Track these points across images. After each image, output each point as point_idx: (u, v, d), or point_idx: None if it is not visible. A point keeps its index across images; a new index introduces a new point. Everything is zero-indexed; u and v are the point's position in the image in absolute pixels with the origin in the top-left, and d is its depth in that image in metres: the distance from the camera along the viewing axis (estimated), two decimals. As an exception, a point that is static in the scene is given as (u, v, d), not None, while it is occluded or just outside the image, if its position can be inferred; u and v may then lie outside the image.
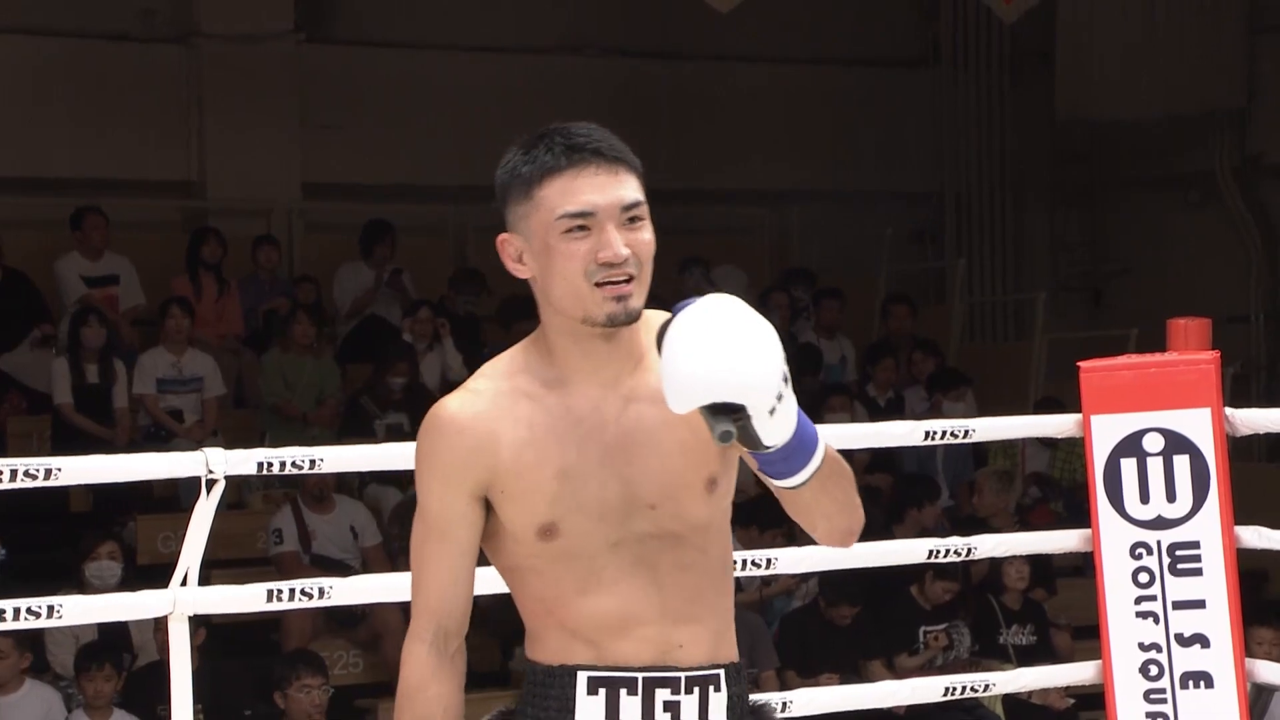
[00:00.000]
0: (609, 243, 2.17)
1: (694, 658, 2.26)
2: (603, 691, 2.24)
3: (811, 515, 2.23)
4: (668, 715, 2.24)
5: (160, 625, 5.25)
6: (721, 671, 2.27)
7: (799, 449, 2.13)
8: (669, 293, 11.20)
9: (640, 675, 2.24)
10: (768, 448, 2.11)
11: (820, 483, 2.18)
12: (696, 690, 2.25)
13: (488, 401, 2.24)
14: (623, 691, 2.24)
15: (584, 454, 2.22)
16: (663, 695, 2.24)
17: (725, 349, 2.05)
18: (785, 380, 2.08)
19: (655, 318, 2.25)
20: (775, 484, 2.18)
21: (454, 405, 2.25)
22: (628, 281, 2.18)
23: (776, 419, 2.08)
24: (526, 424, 2.23)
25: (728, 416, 2.06)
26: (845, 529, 2.26)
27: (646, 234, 2.21)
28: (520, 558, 2.26)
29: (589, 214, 2.18)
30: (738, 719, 2.30)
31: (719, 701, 2.26)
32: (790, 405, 2.10)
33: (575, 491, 2.22)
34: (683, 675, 2.25)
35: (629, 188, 2.20)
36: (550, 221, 2.18)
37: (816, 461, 2.15)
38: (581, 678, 2.24)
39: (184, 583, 3.63)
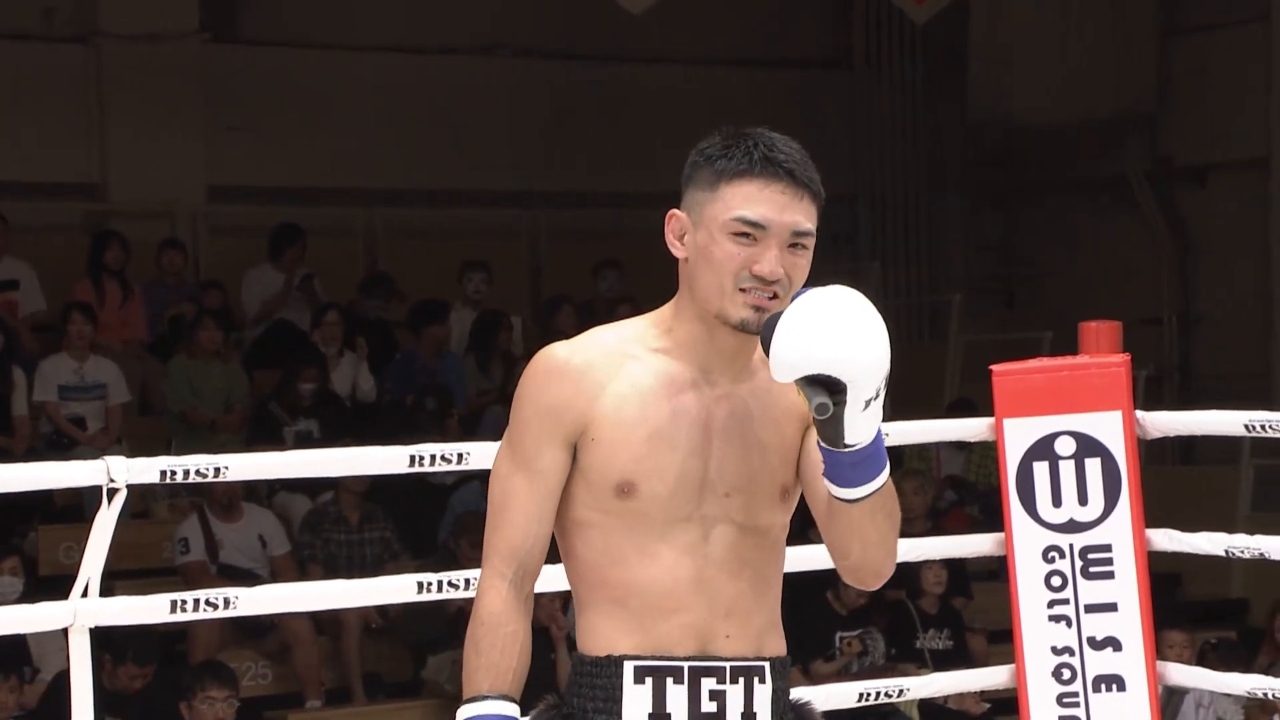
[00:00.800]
0: (769, 259, 2.25)
1: (739, 649, 2.30)
2: (649, 680, 2.28)
3: (852, 538, 2.27)
4: (714, 705, 2.28)
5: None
6: (767, 665, 2.32)
7: (870, 461, 2.19)
8: (587, 293, 11.12)
9: (686, 664, 2.28)
10: (848, 445, 2.17)
11: (872, 509, 2.23)
12: (741, 681, 2.30)
13: (598, 353, 2.32)
14: (669, 680, 2.27)
15: (678, 426, 2.29)
16: (708, 684, 2.28)
17: (842, 327, 2.14)
18: (886, 383, 2.16)
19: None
20: (835, 491, 2.22)
21: (564, 351, 2.32)
22: (772, 298, 2.25)
23: (867, 415, 2.15)
24: (631, 382, 2.30)
25: (827, 393, 2.13)
26: (876, 568, 2.32)
27: (804, 261, 2.29)
28: (590, 510, 2.30)
29: (761, 226, 2.26)
30: (780, 714, 2.34)
31: (764, 694, 2.31)
32: (879, 412, 2.17)
33: (661, 457, 2.28)
34: (728, 665, 2.29)
35: (806, 215, 2.28)
36: (724, 218, 2.26)
37: (880, 481, 2.22)
38: (628, 667, 2.28)
39: (85, 594, 3.55)
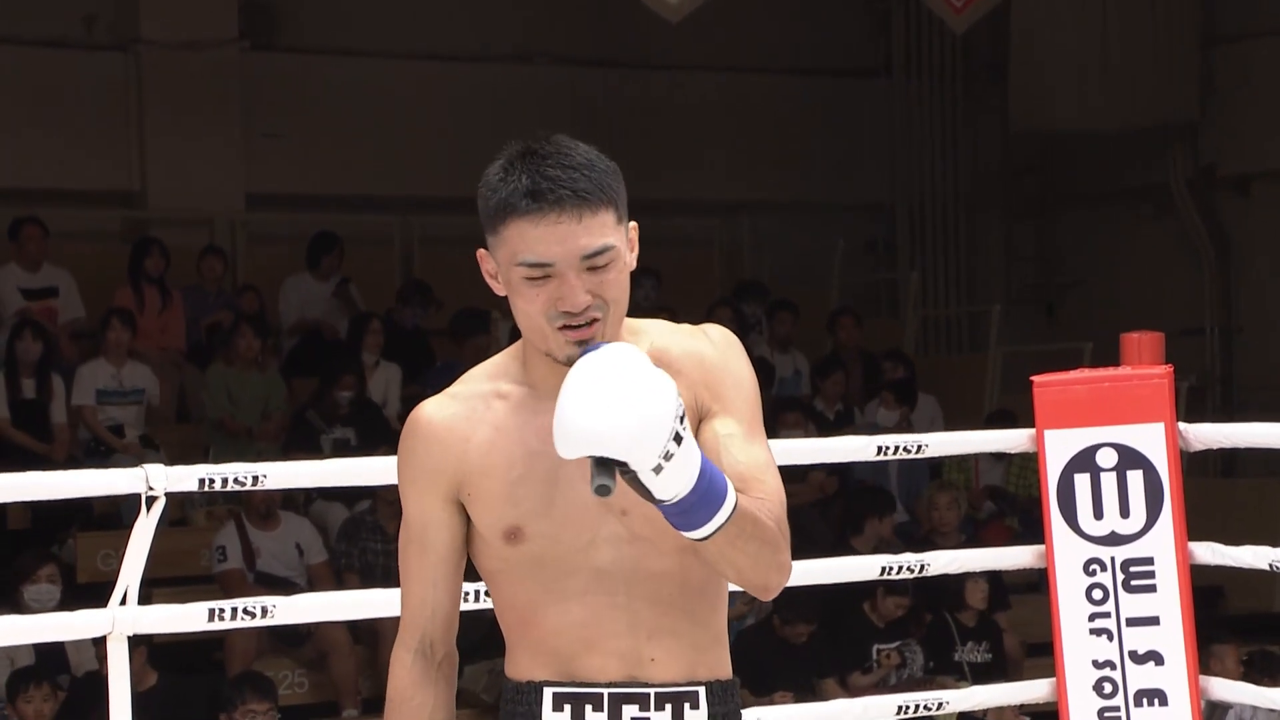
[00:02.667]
0: (568, 293, 2.15)
1: (666, 673, 2.22)
2: (568, 708, 2.22)
3: (719, 566, 2.17)
4: None
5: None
6: (701, 689, 2.23)
7: (700, 505, 2.06)
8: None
9: (606, 691, 2.21)
10: (664, 501, 2.06)
11: (728, 539, 2.10)
12: (669, 707, 2.21)
13: (462, 404, 2.26)
14: (588, 708, 2.21)
15: (551, 458, 2.16)
16: (630, 711, 2.21)
17: (611, 404, 2.01)
18: (678, 439, 2.02)
19: (644, 326, 2.27)
20: (683, 534, 2.12)
21: (429, 409, 2.28)
22: (589, 324, 2.17)
23: (665, 477, 2.03)
24: (495, 426, 2.24)
25: (611, 469, 2.02)
26: (760, 584, 2.19)
27: (613, 274, 2.17)
28: (492, 562, 2.26)
29: (547, 264, 2.16)
30: None
31: (697, 719, 2.22)
32: (685, 465, 2.04)
33: (540, 495, 2.21)
34: (652, 691, 2.21)
35: (594, 233, 2.16)
36: (512, 265, 2.18)
37: (722, 518, 2.08)
38: (547, 694, 2.22)
39: (123, 602, 3.56)
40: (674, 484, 2.04)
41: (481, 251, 2.24)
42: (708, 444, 2.20)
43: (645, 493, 2.05)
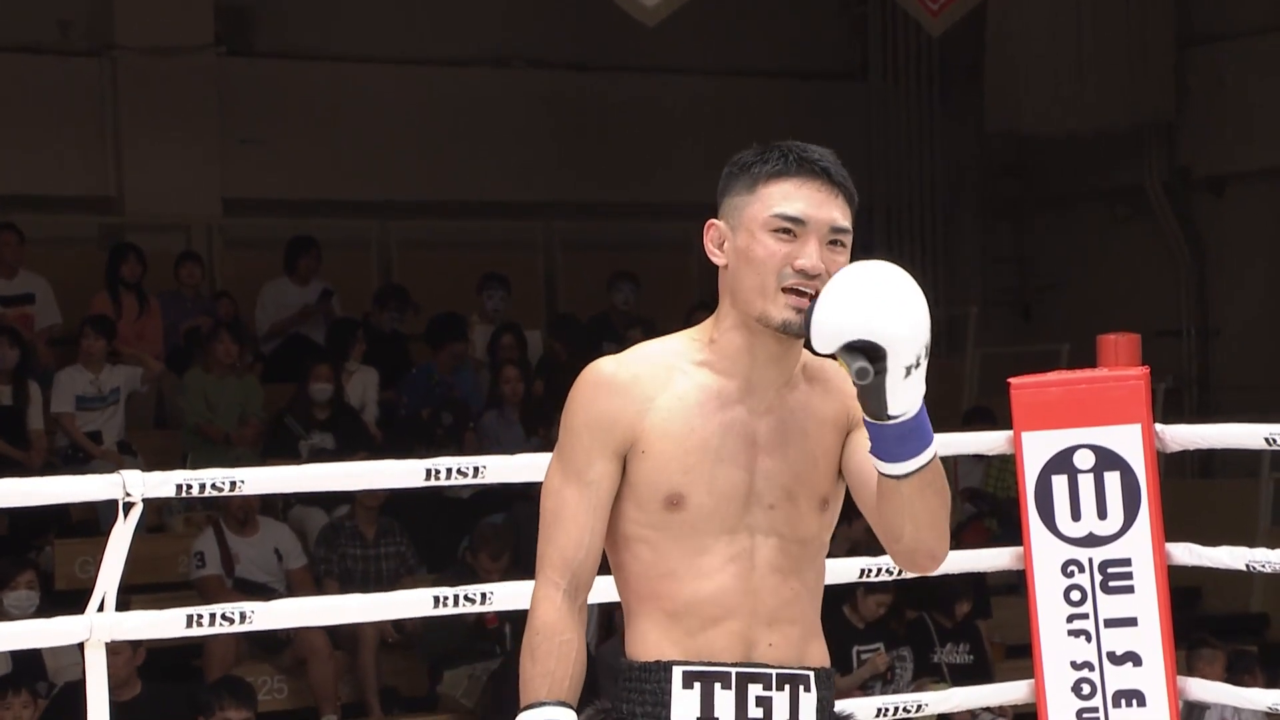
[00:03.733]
0: (810, 253, 2.30)
1: (783, 657, 2.35)
2: (698, 685, 2.31)
3: (901, 517, 2.29)
4: (760, 710, 2.32)
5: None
6: (811, 674, 2.36)
7: (915, 434, 2.22)
8: (600, 307, 11.11)
9: (734, 670, 2.32)
10: (891, 416, 2.19)
11: (921, 485, 2.26)
12: (787, 688, 2.34)
13: (644, 366, 2.36)
14: (717, 685, 2.31)
15: (723, 438, 2.33)
16: (755, 690, 2.32)
17: (880, 296, 2.19)
18: (925, 352, 2.19)
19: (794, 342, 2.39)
20: (882, 468, 2.26)
21: (611, 365, 2.37)
22: (814, 296, 2.28)
23: (908, 385, 2.18)
24: (679, 394, 2.34)
25: (867, 360, 2.16)
26: (929, 549, 2.34)
27: (843, 259, 2.33)
28: (639, 525, 2.34)
29: (801, 221, 2.32)
30: None
31: (809, 702, 2.35)
32: (920, 382, 2.20)
33: (709, 469, 2.32)
34: (774, 672, 2.33)
35: (844, 213, 2.35)
36: (764, 216, 2.32)
37: (926, 457, 2.24)
38: (677, 672, 2.32)
39: (101, 608, 3.54)
40: (908, 398, 2.19)
41: (712, 221, 2.40)
42: (860, 449, 2.33)
43: (879, 403, 2.19)
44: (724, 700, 2.31)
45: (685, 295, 10.26)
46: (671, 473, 2.32)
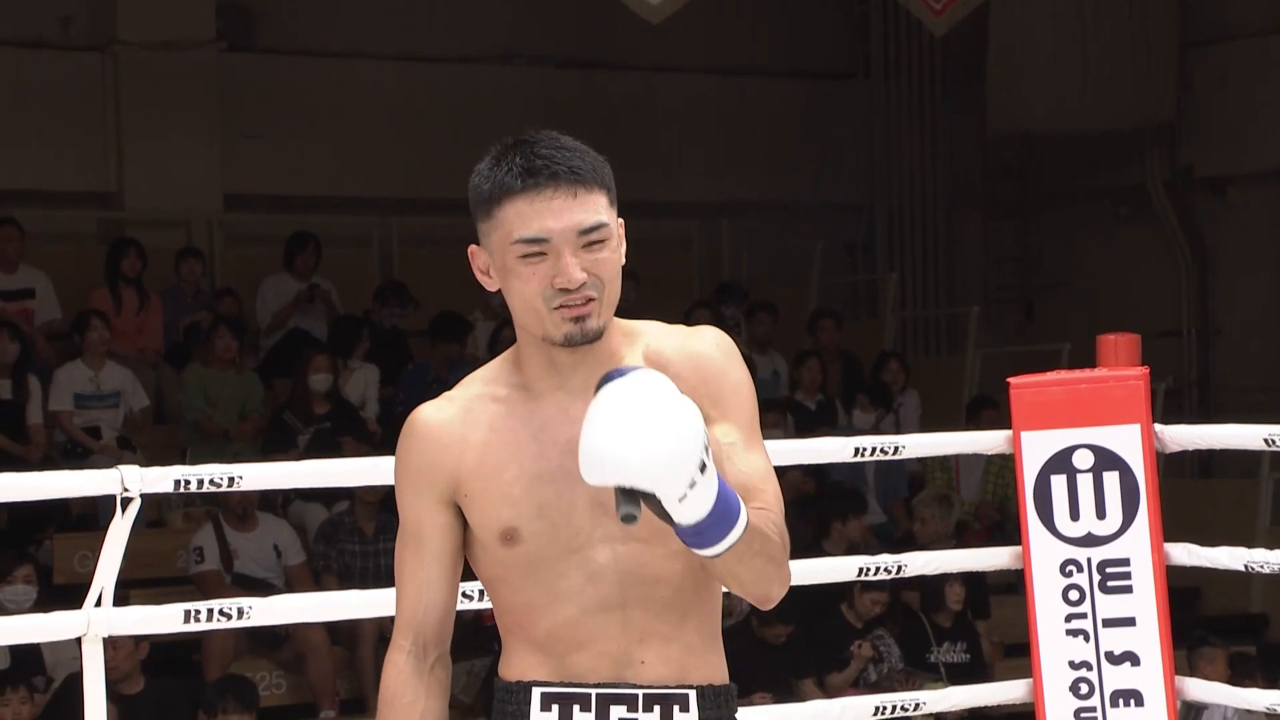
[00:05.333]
0: (564, 269, 2.17)
1: (656, 675, 2.22)
2: (556, 708, 2.22)
3: (724, 579, 2.20)
4: None
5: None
6: (691, 692, 2.23)
7: (715, 526, 2.08)
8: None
9: (594, 691, 2.22)
10: (678, 525, 2.08)
11: (738, 556, 2.12)
12: (657, 709, 2.22)
13: (459, 406, 2.28)
14: (575, 708, 2.22)
15: (547, 459, 2.22)
16: (618, 712, 2.21)
17: (641, 435, 2.01)
18: (703, 468, 2.04)
19: (640, 327, 2.29)
20: (694, 552, 2.13)
21: (426, 412, 2.29)
22: (585, 304, 2.19)
23: (688, 503, 2.05)
24: (490, 427, 2.25)
25: (636, 499, 2.04)
26: (761, 595, 2.21)
27: (607, 253, 2.20)
28: (489, 566, 2.27)
29: (543, 240, 2.18)
30: None
31: None
32: (706, 488, 2.05)
33: (536, 495, 2.22)
34: (640, 692, 2.21)
35: (589, 210, 2.19)
36: (508, 244, 2.20)
37: (733, 538, 2.09)
38: (535, 693, 2.23)
39: (99, 603, 3.55)
40: (695, 510, 2.05)
41: (473, 248, 2.27)
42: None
43: (666, 518, 2.06)
44: None
45: (686, 293, 10.26)
46: (497, 509, 2.22)
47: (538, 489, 2.22)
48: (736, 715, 2.30)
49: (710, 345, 2.26)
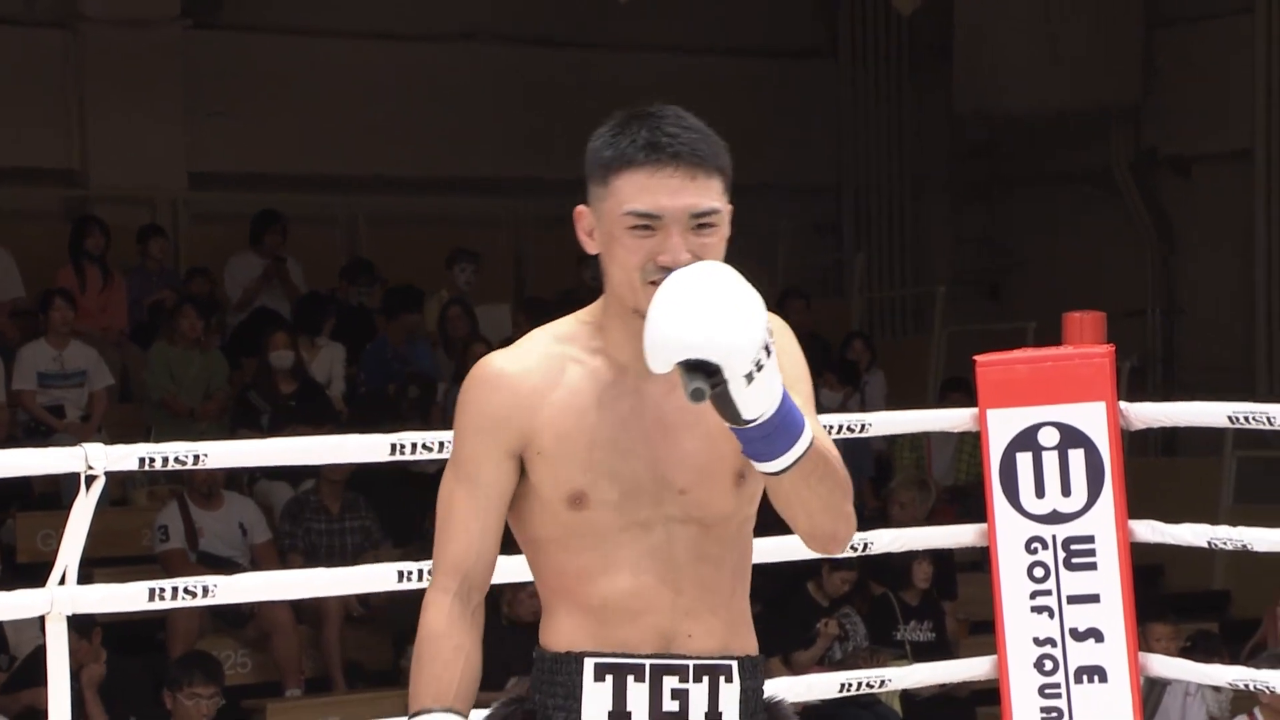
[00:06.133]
0: (671, 247, 2.19)
1: (703, 647, 2.26)
2: (609, 678, 2.25)
3: (792, 508, 2.22)
4: (675, 704, 2.24)
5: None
6: (734, 663, 2.27)
7: (780, 432, 2.13)
8: (569, 283, 11.08)
9: (647, 662, 2.24)
10: (746, 421, 2.11)
11: (803, 475, 2.17)
12: (706, 679, 2.25)
13: (536, 360, 2.27)
14: (629, 678, 2.24)
15: (623, 429, 2.24)
16: (670, 683, 2.24)
17: (703, 309, 2.07)
18: (767, 352, 2.09)
19: None
20: (757, 467, 2.18)
21: (501, 360, 2.28)
22: None
23: (754, 390, 2.09)
24: (571, 389, 2.25)
25: (704, 376, 2.07)
26: (828, 533, 2.25)
27: (713, 239, 2.22)
28: (546, 527, 2.27)
29: (655, 216, 2.19)
30: (750, 714, 2.29)
31: (730, 693, 2.26)
32: (772, 382, 2.10)
33: (610, 463, 2.24)
34: (691, 663, 2.25)
35: (704, 193, 2.21)
36: (618, 213, 2.21)
37: (799, 450, 2.15)
38: (588, 664, 2.25)
39: (62, 581, 3.53)
40: (761, 400, 2.09)
41: (580, 208, 2.28)
42: None
43: (732, 411, 2.09)
44: (637, 693, 2.23)
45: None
46: (571, 471, 2.23)
47: (611, 458, 2.23)
48: (764, 684, 2.33)
49: (775, 323, 2.28)
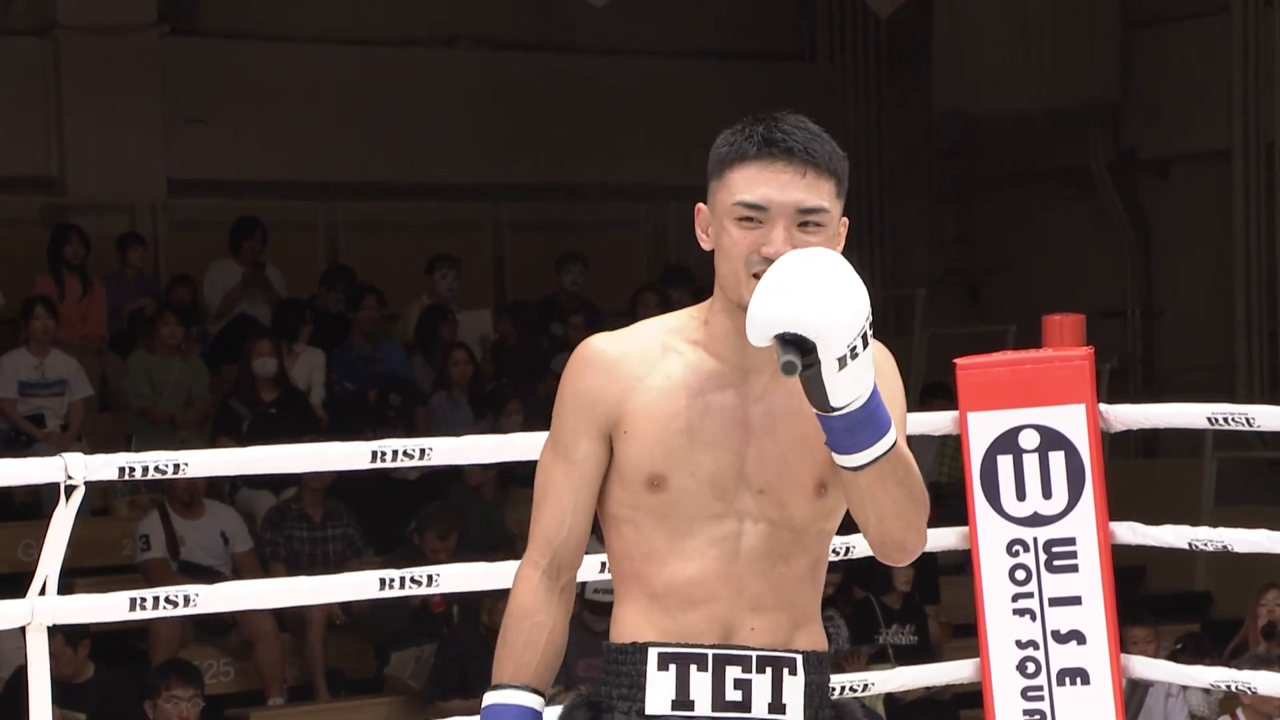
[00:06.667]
0: (774, 239, 2.24)
1: (767, 641, 2.28)
2: (673, 667, 2.26)
3: (864, 508, 2.24)
4: (739, 693, 2.26)
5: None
6: (799, 657, 2.29)
7: (865, 425, 2.16)
8: (549, 288, 11.07)
9: (710, 651, 2.26)
10: (834, 408, 2.14)
11: (880, 476, 2.20)
12: (769, 670, 2.27)
13: (637, 345, 2.32)
14: (693, 667, 2.26)
15: (711, 420, 2.28)
16: (733, 673, 2.26)
17: (808, 287, 2.13)
18: (864, 342, 2.13)
19: None
20: (837, 459, 2.21)
21: (603, 340, 2.33)
22: None
23: (846, 376, 2.12)
24: (666, 375, 2.30)
25: (798, 352, 2.11)
26: (897, 541, 2.27)
27: (818, 238, 2.26)
28: (623, 505, 2.31)
29: (762, 208, 2.25)
30: (815, 709, 2.31)
31: (794, 686, 2.28)
32: (864, 372, 2.14)
33: (693, 452, 2.27)
34: (754, 654, 2.27)
35: (814, 192, 2.26)
36: (729, 204, 2.27)
37: (882, 448, 2.18)
38: (652, 654, 2.27)
39: (43, 592, 3.51)
40: (851, 388, 2.13)
41: (699, 205, 2.34)
42: None
43: (821, 395, 2.13)
44: (700, 682, 2.26)
45: (633, 276, 10.25)
46: (653, 454, 2.27)
47: (695, 447, 2.27)
48: (830, 679, 2.35)
49: (879, 350, 2.31)
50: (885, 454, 2.19)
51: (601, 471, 2.31)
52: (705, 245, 2.32)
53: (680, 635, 2.27)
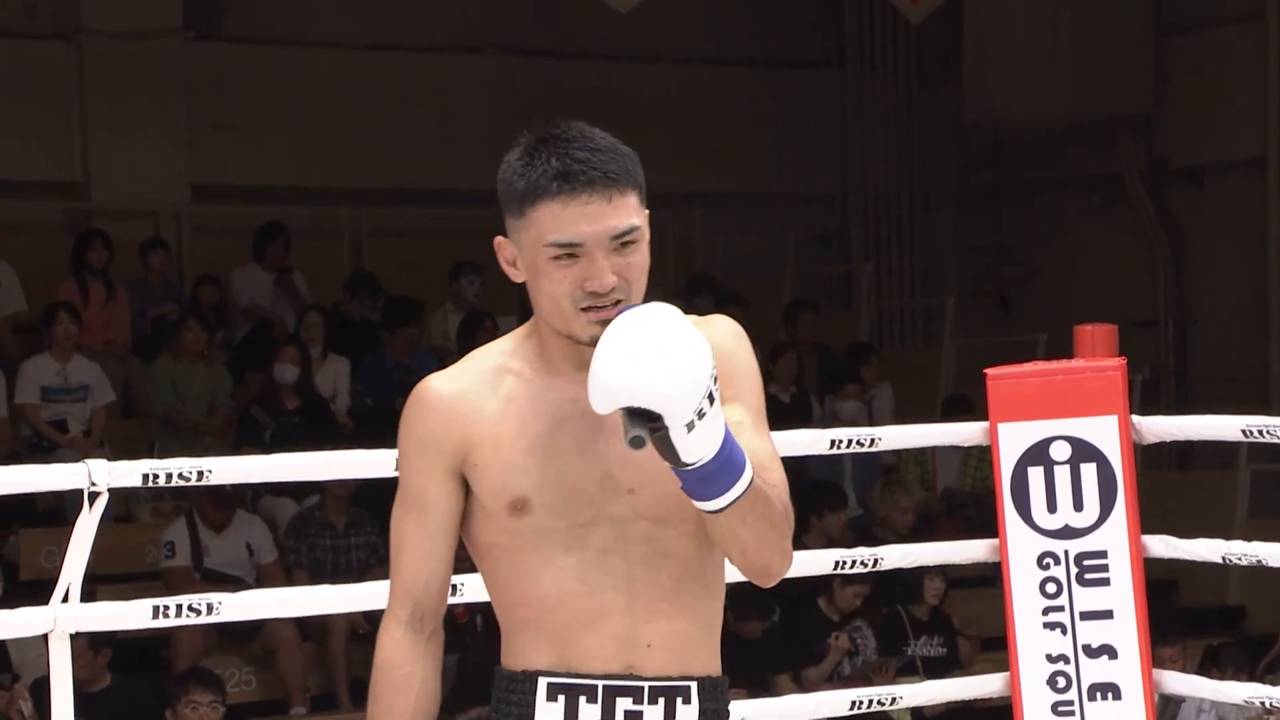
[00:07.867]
0: (596, 273, 2.19)
1: (661, 664, 2.23)
2: (562, 699, 2.22)
3: (726, 544, 2.20)
4: None
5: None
6: (693, 685, 2.23)
7: (719, 474, 2.11)
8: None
9: (601, 683, 2.22)
10: (685, 464, 2.09)
11: (739, 515, 2.15)
12: (661, 701, 2.22)
13: (472, 376, 2.28)
14: (582, 699, 2.22)
15: (563, 432, 2.24)
16: (624, 704, 2.21)
17: (648, 356, 2.06)
18: (711, 399, 2.07)
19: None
20: (696, 505, 2.16)
21: (437, 380, 2.29)
22: (614, 306, 2.19)
23: (696, 436, 2.07)
24: (507, 398, 2.26)
25: (644, 424, 2.06)
26: (762, 567, 2.22)
27: (637, 256, 2.22)
28: (492, 534, 2.26)
29: (577, 244, 2.19)
30: None
31: (688, 715, 2.23)
32: (714, 427, 2.08)
33: (549, 467, 2.23)
34: (646, 685, 2.22)
35: (622, 213, 2.20)
36: (540, 245, 2.20)
37: (738, 491, 2.13)
38: (541, 684, 2.22)
39: (65, 599, 3.50)
40: (701, 446, 2.08)
41: (500, 239, 2.27)
42: None
43: (672, 454, 2.08)
44: (589, 715, 2.20)
45: (658, 285, 10.17)
46: (509, 478, 2.22)
47: (551, 462, 2.22)
48: (729, 706, 2.29)
49: (722, 332, 2.29)
50: (742, 495, 2.13)
51: (456, 513, 2.26)
52: (516, 278, 2.26)
53: (572, 661, 2.22)
